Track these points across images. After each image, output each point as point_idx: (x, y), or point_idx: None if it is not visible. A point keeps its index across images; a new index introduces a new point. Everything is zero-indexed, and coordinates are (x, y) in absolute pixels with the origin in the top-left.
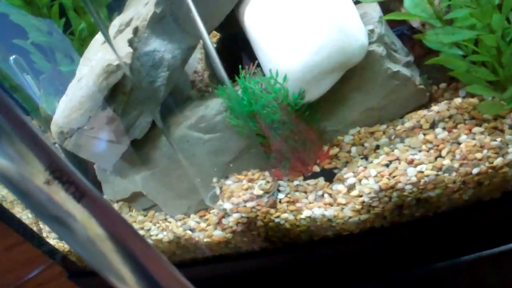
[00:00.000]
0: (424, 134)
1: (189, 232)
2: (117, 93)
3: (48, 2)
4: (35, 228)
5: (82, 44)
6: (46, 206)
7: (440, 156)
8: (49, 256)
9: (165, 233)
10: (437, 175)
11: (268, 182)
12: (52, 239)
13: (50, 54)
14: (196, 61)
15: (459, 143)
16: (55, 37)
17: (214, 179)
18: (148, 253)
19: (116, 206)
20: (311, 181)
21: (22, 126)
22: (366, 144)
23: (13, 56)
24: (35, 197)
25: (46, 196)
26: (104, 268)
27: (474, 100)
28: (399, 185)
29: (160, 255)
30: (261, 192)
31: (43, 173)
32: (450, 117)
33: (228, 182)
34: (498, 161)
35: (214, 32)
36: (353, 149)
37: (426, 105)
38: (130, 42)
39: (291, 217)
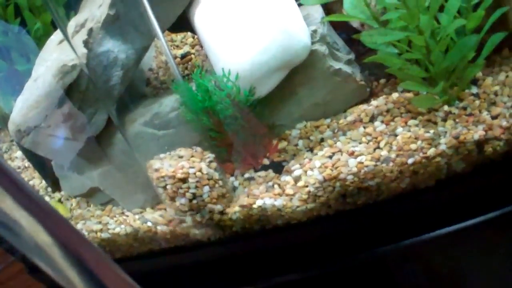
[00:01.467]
0: (364, 127)
1: (148, 224)
2: (73, 92)
3: (3, 2)
4: None
5: (37, 44)
6: None
7: (378, 147)
8: (10, 253)
9: (122, 226)
10: (375, 165)
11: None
12: None
13: (6, 54)
14: (151, 59)
15: (396, 135)
16: (10, 37)
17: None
18: (95, 255)
19: (74, 201)
20: (262, 173)
21: None
22: (311, 138)
23: None
24: None
25: None
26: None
27: (410, 95)
28: (341, 176)
29: (104, 256)
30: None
31: None
32: (387, 111)
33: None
34: (431, 151)
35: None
36: (300, 142)
37: (367, 100)
38: (85, 43)
39: (243, 208)
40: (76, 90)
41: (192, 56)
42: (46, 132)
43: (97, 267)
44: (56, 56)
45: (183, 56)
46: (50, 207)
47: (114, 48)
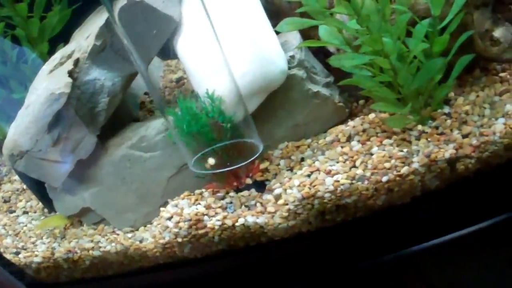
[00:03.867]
0: (342, 147)
1: (137, 242)
2: (62, 118)
3: (1, 33)
4: None
5: (35, 72)
6: None
7: (354, 166)
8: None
9: (113, 244)
10: (351, 183)
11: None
12: (9, 254)
13: (5, 82)
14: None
15: (371, 154)
16: (8, 67)
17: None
18: None
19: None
20: (245, 193)
21: None
22: (293, 157)
23: None
24: None
25: None
26: None
27: (385, 115)
28: (319, 194)
29: None
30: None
31: None
32: (364, 130)
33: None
34: (405, 169)
35: None
36: (282, 162)
37: (346, 120)
38: (70, 73)
39: (228, 224)
40: (64, 116)
41: (185, 81)
42: (37, 156)
43: None
44: (46, 85)
45: (178, 80)
46: None
47: (101, 76)
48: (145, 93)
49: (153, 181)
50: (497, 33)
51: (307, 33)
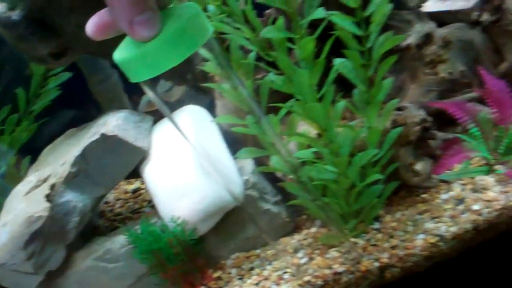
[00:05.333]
0: (289, 257)
1: None
2: (37, 235)
3: None
4: None
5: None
6: None
7: (300, 274)
8: None
9: None
10: None
11: None
12: None
13: None
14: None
15: (314, 264)
16: None
17: None
18: None
19: None
20: None
21: None
22: (243, 266)
23: None
24: None
25: None
26: None
27: (325, 230)
28: None
29: None
30: None
31: None
32: (308, 244)
33: None
34: (343, 276)
35: None
36: (233, 270)
37: (293, 232)
38: (47, 197)
39: None
40: (40, 234)
41: (142, 191)
42: (11, 269)
43: None
44: (24, 207)
45: (134, 191)
46: None
47: (73, 198)
48: (106, 202)
49: None
50: (418, 166)
51: (260, 159)
